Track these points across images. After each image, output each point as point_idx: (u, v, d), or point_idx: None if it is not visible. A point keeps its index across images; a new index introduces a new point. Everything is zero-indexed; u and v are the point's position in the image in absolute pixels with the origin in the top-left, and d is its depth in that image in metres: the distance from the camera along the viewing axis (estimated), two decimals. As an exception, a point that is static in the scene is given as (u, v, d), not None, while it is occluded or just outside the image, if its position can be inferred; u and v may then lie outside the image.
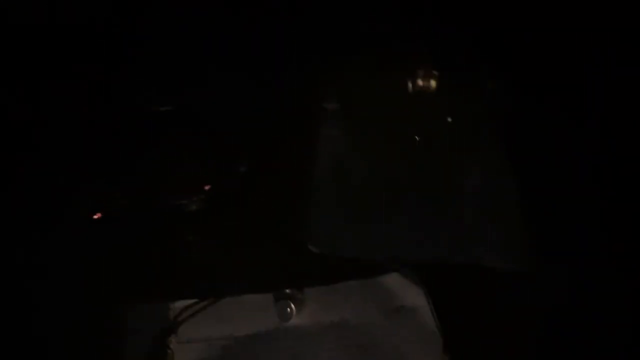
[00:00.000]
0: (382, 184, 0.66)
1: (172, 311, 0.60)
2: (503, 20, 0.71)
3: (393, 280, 0.62)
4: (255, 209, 0.66)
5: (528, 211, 0.63)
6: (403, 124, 0.65)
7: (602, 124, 0.67)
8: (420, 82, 0.63)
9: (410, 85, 0.64)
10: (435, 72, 0.64)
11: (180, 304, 0.60)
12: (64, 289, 0.60)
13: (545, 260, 0.62)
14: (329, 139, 0.68)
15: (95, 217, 0.63)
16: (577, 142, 0.67)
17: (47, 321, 0.58)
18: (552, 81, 0.71)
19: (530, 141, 0.67)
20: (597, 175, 0.66)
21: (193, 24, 0.79)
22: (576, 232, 0.63)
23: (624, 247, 0.61)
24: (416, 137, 0.60)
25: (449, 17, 0.66)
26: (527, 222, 0.63)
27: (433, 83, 0.63)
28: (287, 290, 0.61)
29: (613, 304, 0.59)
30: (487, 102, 0.62)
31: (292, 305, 0.59)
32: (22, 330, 0.58)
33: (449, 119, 0.65)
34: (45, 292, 0.60)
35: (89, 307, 0.59)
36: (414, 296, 0.61)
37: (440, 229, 0.64)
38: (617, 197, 0.64)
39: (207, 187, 0.64)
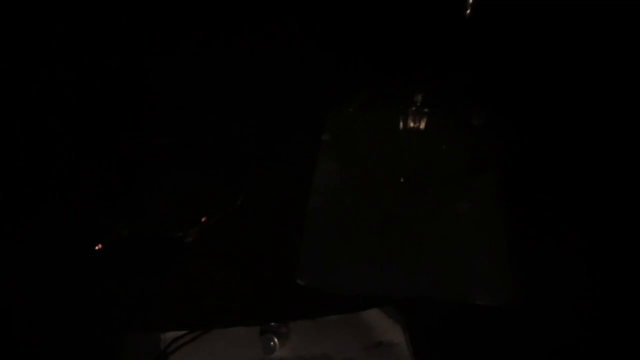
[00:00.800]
0: (373, 218, 0.70)
1: (163, 342, 0.63)
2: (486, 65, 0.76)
3: (373, 316, 0.65)
4: (246, 242, 0.70)
5: (515, 247, 0.67)
6: (396, 159, 0.69)
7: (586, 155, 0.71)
8: (411, 121, 0.68)
9: (402, 123, 0.68)
10: (425, 110, 0.68)
11: (170, 334, 0.63)
12: (58, 317, 0.64)
13: (531, 297, 0.65)
14: (324, 172, 0.72)
15: (97, 247, 0.67)
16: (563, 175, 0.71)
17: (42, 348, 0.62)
18: (536, 117, 0.75)
19: (518, 175, 0.70)
20: (583, 211, 0.69)
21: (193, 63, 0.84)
22: (562, 269, 0.66)
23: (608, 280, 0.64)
24: (401, 179, 0.64)
25: (438, 64, 0.71)
26: (515, 258, 0.67)
27: (423, 122, 0.67)
28: (272, 323, 0.64)
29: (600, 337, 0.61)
30: (475, 138, 0.66)
31: (276, 340, 0.62)
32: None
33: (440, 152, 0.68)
34: (39, 319, 0.64)
35: (82, 337, 0.63)
36: (392, 332, 0.64)
37: (428, 265, 0.67)
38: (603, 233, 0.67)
39: (203, 219, 0.68)
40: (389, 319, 0.64)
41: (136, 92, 0.89)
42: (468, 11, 0.76)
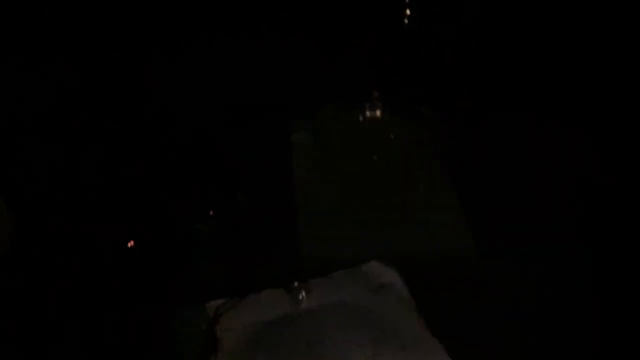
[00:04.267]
0: (350, 198, 0.87)
1: (209, 310, 0.75)
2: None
3: (372, 266, 0.82)
4: (254, 227, 0.84)
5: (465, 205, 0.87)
6: (361, 150, 0.88)
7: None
8: (368, 113, 0.87)
9: (361, 116, 0.87)
10: (379, 104, 0.88)
11: (214, 303, 0.76)
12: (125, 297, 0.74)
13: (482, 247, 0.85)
14: (302, 168, 0.89)
15: (130, 245, 0.78)
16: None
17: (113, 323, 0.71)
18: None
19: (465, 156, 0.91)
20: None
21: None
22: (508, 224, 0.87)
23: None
24: (374, 158, 0.82)
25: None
26: (466, 215, 0.87)
27: (379, 113, 0.86)
28: (295, 283, 0.78)
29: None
30: (426, 127, 0.87)
31: (303, 293, 0.77)
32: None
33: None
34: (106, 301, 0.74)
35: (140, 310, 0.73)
36: (390, 276, 0.81)
37: (398, 228, 0.86)
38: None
39: (211, 213, 0.82)
40: (385, 267, 0.82)
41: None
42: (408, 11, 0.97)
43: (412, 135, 0.90)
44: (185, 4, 1.14)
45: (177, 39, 1.11)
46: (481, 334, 0.75)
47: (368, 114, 0.90)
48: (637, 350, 0.71)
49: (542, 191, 0.91)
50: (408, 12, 1.01)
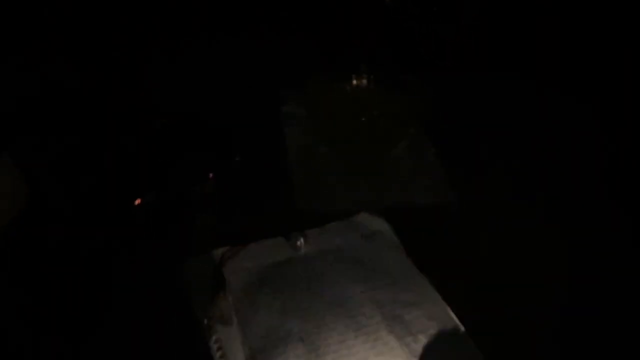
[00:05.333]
0: (339, 159, 0.95)
1: (215, 256, 0.81)
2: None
3: (362, 217, 0.89)
4: (251, 186, 0.91)
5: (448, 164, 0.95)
6: (349, 115, 0.95)
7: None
8: (355, 82, 0.94)
9: (348, 86, 0.94)
10: (366, 75, 0.95)
11: (220, 250, 0.82)
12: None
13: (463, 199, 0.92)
14: (293, 134, 0.96)
15: (137, 202, 0.84)
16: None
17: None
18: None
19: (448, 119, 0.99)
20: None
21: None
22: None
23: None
24: (363, 118, 0.90)
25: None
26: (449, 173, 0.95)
27: (365, 81, 0.94)
28: (293, 233, 0.85)
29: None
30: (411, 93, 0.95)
31: (302, 239, 0.84)
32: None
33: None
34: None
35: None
36: (379, 224, 0.88)
37: (385, 184, 0.93)
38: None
39: (211, 175, 0.88)
40: (374, 217, 0.89)
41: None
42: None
43: (396, 102, 0.97)
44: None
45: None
46: (464, 273, 0.82)
47: (355, 82, 0.98)
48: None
49: (520, 149, 1.00)
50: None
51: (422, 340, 0.73)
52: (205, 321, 0.73)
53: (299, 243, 0.84)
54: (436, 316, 0.76)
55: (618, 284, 0.79)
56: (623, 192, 0.92)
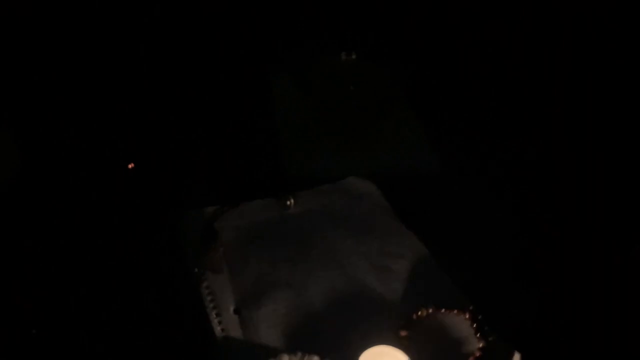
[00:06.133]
0: (328, 128, 0.98)
1: (206, 213, 0.84)
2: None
3: (351, 181, 0.92)
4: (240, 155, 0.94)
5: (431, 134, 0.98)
6: (337, 89, 0.99)
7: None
8: (344, 57, 0.98)
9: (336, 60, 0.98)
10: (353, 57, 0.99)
11: (210, 209, 0.84)
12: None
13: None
14: (283, 105, 0.99)
15: (129, 167, 0.87)
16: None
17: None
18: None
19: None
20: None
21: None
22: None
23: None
24: (351, 87, 0.93)
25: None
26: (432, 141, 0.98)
27: (354, 56, 0.98)
28: (283, 194, 0.87)
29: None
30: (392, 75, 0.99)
31: (292, 200, 0.86)
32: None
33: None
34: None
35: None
36: (367, 187, 0.91)
37: (372, 151, 0.96)
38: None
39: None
40: (363, 180, 0.92)
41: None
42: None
43: (383, 77, 1.01)
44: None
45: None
46: (451, 232, 0.84)
47: (344, 57, 1.02)
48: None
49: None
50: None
51: (408, 287, 0.75)
52: (196, 270, 0.75)
53: (289, 203, 0.86)
54: (422, 265, 0.78)
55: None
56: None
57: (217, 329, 0.69)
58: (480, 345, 0.68)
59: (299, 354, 0.65)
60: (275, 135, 0.97)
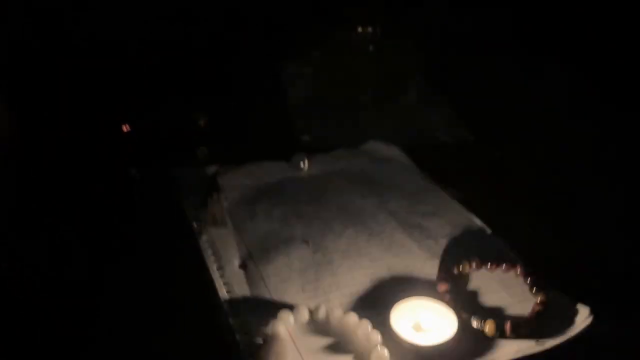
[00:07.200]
0: (348, 102, 0.89)
1: (210, 170, 0.74)
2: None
3: (372, 145, 0.82)
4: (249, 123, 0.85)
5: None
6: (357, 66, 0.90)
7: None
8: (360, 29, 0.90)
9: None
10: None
11: (213, 167, 0.74)
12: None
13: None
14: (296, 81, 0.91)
15: (125, 129, 0.78)
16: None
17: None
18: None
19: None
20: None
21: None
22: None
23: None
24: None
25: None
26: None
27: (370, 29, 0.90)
28: (296, 154, 0.77)
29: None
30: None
31: (305, 161, 0.76)
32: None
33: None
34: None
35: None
36: (391, 150, 0.81)
37: (397, 124, 0.87)
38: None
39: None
40: (386, 144, 0.82)
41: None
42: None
43: (404, 53, 0.93)
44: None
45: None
46: (487, 194, 0.73)
47: (360, 30, 0.94)
48: None
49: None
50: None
51: (444, 243, 0.64)
52: (195, 223, 0.64)
53: (302, 164, 0.76)
54: (459, 223, 0.67)
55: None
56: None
57: (220, 285, 0.57)
58: (539, 299, 0.56)
59: (323, 308, 0.53)
60: (290, 109, 0.88)
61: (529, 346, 0.52)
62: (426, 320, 0.53)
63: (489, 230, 0.66)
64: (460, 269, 0.60)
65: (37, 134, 0.78)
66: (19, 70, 0.84)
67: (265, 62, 0.94)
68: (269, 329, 0.51)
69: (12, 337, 0.49)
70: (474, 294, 0.58)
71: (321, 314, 0.53)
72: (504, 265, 0.60)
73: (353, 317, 0.53)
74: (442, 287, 0.57)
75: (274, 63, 0.95)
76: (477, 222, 0.67)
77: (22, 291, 0.54)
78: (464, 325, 0.53)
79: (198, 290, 0.58)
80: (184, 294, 0.57)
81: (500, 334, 0.53)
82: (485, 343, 0.52)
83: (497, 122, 0.87)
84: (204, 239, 0.63)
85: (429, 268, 0.60)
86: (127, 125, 0.79)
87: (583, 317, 0.54)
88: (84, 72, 0.85)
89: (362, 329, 0.52)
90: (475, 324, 0.53)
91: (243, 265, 0.60)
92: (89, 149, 0.77)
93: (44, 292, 0.57)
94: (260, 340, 0.50)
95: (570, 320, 0.54)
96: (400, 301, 0.54)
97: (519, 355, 0.51)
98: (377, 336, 0.51)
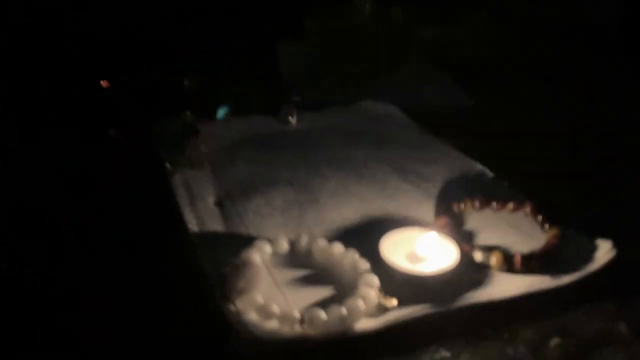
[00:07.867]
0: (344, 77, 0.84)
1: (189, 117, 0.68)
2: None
3: (368, 103, 0.76)
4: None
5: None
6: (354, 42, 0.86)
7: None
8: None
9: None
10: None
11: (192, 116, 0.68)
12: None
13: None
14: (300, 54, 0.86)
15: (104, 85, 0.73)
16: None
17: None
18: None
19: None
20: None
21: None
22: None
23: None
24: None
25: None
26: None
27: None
28: (284, 106, 0.71)
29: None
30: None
31: (294, 115, 0.70)
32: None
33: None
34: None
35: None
36: (388, 108, 0.75)
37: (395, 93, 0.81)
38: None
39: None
40: (382, 103, 0.76)
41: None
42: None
43: (401, 30, 0.88)
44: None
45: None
46: (491, 150, 0.67)
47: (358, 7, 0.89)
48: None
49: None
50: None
51: (444, 186, 0.57)
52: (168, 165, 0.58)
53: (290, 117, 0.70)
54: (458, 168, 0.60)
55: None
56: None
57: (191, 221, 0.51)
58: (554, 233, 0.49)
59: (305, 237, 0.47)
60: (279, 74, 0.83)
61: (543, 280, 0.45)
62: (422, 249, 0.46)
63: (492, 174, 0.59)
64: (462, 207, 0.53)
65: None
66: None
67: (260, 30, 0.90)
68: (241, 257, 0.44)
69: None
70: (476, 232, 0.51)
71: (303, 243, 0.46)
72: (511, 203, 0.53)
73: (338, 247, 0.46)
74: (441, 221, 0.50)
75: (269, 32, 0.91)
76: (480, 167, 0.60)
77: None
78: (466, 259, 0.46)
79: (165, 225, 0.51)
80: (150, 229, 0.51)
81: (509, 267, 0.46)
82: (491, 277, 0.45)
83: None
84: (177, 179, 0.56)
85: (425, 208, 0.54)
86: (106, 82, 0.73)
87: (604, 252, 0.47)
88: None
89: (349, 258, 0.45)
90: (478, 256, 0.46)
91: (219, 203, 0.54)
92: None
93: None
94: (229, 270, 0.44)
95: (589, 256, 0.47)
96: (392, 230, 0.47)
97: (532, 289, 0.44)
98: (365, 264, 0.44)
